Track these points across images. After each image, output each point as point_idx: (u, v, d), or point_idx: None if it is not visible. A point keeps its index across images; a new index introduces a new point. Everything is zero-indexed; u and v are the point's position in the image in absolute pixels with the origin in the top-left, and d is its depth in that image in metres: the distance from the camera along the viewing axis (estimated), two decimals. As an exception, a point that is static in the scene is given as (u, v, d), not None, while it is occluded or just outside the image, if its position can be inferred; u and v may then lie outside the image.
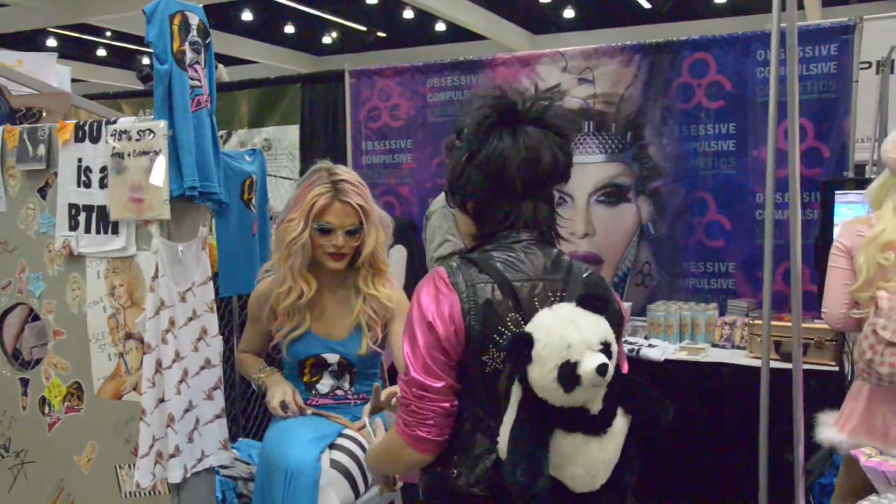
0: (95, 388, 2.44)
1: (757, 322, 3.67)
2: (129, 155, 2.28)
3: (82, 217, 2.40)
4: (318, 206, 2.37)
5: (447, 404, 1.56)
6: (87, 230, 2.40)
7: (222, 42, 13.13)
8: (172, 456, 2.28)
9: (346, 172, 2.45)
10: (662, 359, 3.74)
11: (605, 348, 1.46)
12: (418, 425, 1.55)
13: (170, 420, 2.28)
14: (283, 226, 2.42)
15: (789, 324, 3.68)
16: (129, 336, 2.37)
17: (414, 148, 4.78)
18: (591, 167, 4.38)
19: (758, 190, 4.04)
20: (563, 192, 4.66)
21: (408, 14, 13.01)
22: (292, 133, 4.92)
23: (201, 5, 2.33)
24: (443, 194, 3.83)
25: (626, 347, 3.52)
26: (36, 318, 2.58)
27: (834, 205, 3.07)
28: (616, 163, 4.34)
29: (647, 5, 13.48)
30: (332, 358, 2.45)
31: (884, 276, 2.32)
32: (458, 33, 13.67)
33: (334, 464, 2.27)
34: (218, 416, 2.46)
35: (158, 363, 2.28)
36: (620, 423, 1.53)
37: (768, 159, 2.82)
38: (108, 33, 13.20)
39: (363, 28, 13.67)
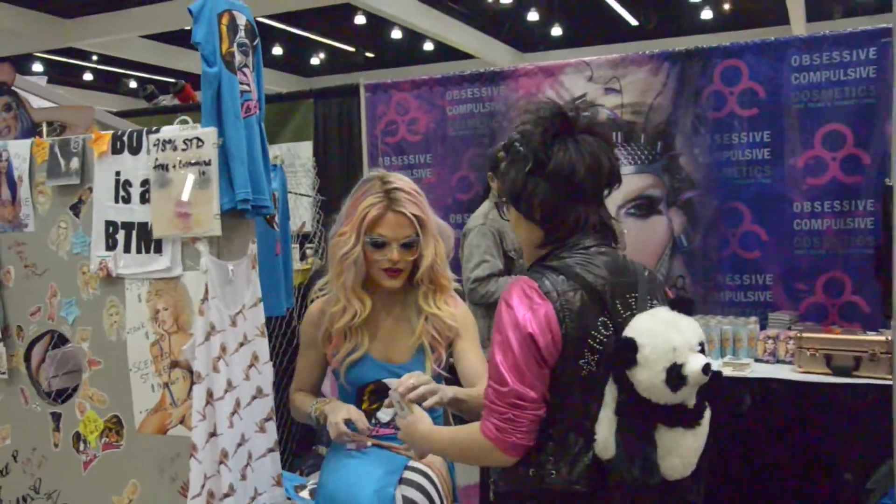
0: (137, 422, 2.24)
1: (807, 335, 3.54)
2: (174, 167, 2.10)
3: (121, 235, 2.21)
4: (371, 218, 2.18)
5: (541, 412, 1.60)
6: (127, 249, 2.21)
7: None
8: (227, 496, 2.08)
9: (400, 180, 2.27)
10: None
11: (702, 348, 1.56)
12: (514, 432, 1.59)
13: (223, 456, 2.08)
14: (335, 240, 2.24)
15: (840, 336, 3.57)
16: (174, 364, 2.17)
17: (434, 163, 4.63)
18: (620, 179, 4.24)
19: (795, 199, 3.93)
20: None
21: (396, 34, 12.92)
22: (305, 149, 4.76)
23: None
24: (479, 211, 3.68)
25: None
26: (56, 345, 2.38)
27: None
28: (646, 174, 4.22)
29: (634, 22, 13.50)
30: (393, 383, 2.26)
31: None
32: (445, 52, 13.61)
33: (406, 501, 2.09)
34: (271, 450, 2.27)
35: (210, 394, 2.08)
36: (707, 414, 1.63)
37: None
38: (95, 57, 12.98)
39: (351, 48, 13.55)
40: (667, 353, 1.50)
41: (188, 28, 2.17)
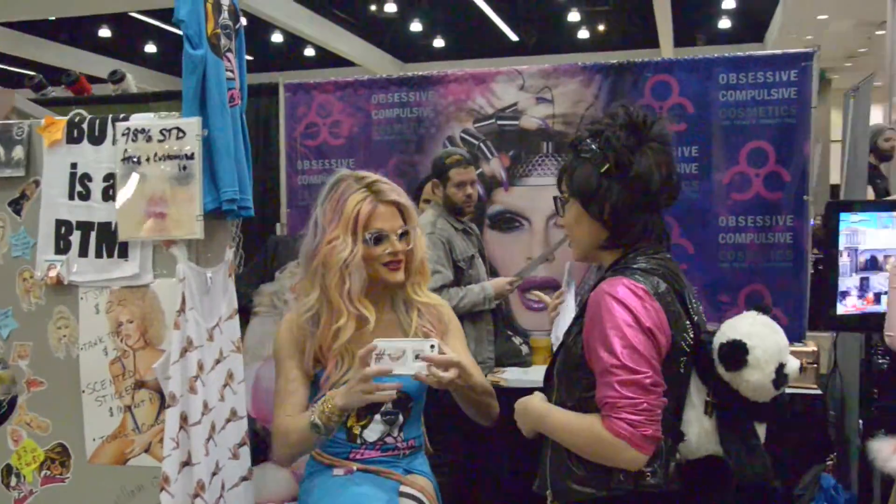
0: (89, 452, 1.96)
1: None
2: (148, 160, 1.85)
3: (76, 237, 1.93)
4: (364, 213, 2.00)
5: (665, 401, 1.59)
6: (83, 253, 1.93)
7: (71, 58, 12.13)
8: (204, 532, 1.85)
9: (372, 174, 2.11)
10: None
11: None
12: (649, 423, 1.54)
13: (198, 488, 1.85)
14: (326, 248, 2.01)
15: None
16: (140, 385, 1.92)
17: (356, 167, 4.39)
18: (550, 189, 4.20)
19: (721, 213, 4.02)
20: (519, 216, 4.49)
21: (277, 38, 12.57)
22: (218, 150, 4.45)
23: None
24: (425, 220, 3.53)
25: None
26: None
27: (839, 226, 3.04)
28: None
29: (514, 37, 13.75)
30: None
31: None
32: (326, 59, 13.37)
33: None
34: (244, 479, 2.05)
35: (184, 418, 1.85)
36: None
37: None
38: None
39: (228, 49, 13.03)
40: (776, 355, 1.59)
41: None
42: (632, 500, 1.61)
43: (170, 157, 1.84)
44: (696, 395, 1.63)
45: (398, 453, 2.10)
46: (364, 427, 2.06)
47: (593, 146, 1.68)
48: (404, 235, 2.05)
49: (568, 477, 1.66)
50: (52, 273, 1.93)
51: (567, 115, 4.20)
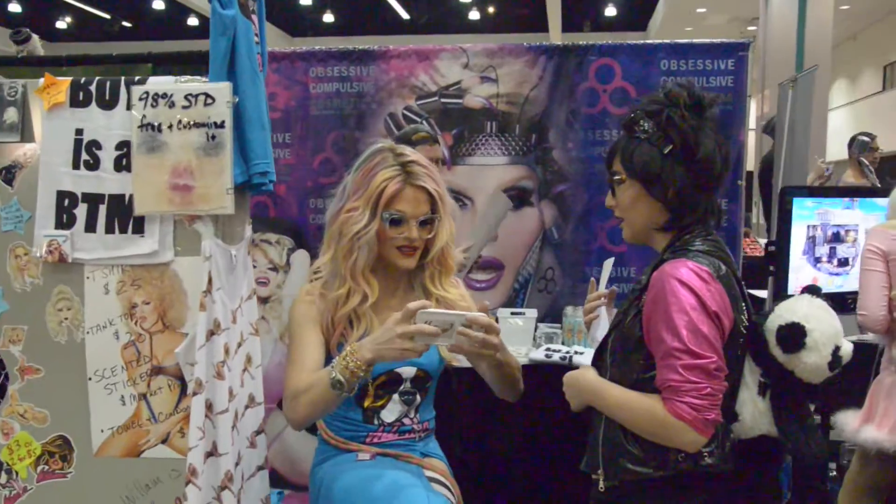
0: (95, 444, 1.79)
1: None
2: (171, 127, 1.70)
3: (81, 210, 1.76)
4: (389, 192, 1.93)
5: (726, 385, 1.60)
6: (91, 228, 1.76)
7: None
8: (233, 526, 1.73)
9: (413, 154, 2.05)
10: (594, 365, 3.67)
11: None
12: (712, 408, 1.54)
13: (226, 480, 1.73)
14: (344, 216, 1.94)
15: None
16: (157, 371, 1.77)
17: (293, 143, 4.25)
18: (493, 169, 4.19)
19: (659, 196, 4.14)
20: (462, 195, 4.45)
21: (158, 4, 11.96)
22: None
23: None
24: None
25: (556, 356, 3.40)
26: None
27: (792, 211, 3.19)
28: (519, 165, 4.20)
29: (405, 16, 13.67)
30: (407, 372, 2.00)
31: (927, 276, 2.42)
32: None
33: None
34: (260, 468, 1.94)
35: (208, 406, 1.72)
36: None
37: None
38: None
39: (106, 15, 12.28)
40: (832, 337, 1.59)
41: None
42: (688, 480, 1.61)
43: (196, 125, 1.70)
44: (750, 376, 1.64)
45: (415, 436, 2.06)
46: (382, 407, 2.00)
47: (651, 126, 1.66)
48: (427, 224, 1.99)
49: (623, 455, 1.65)
50: (54, 249, 1.74)
51: (511, 95, 4.18)
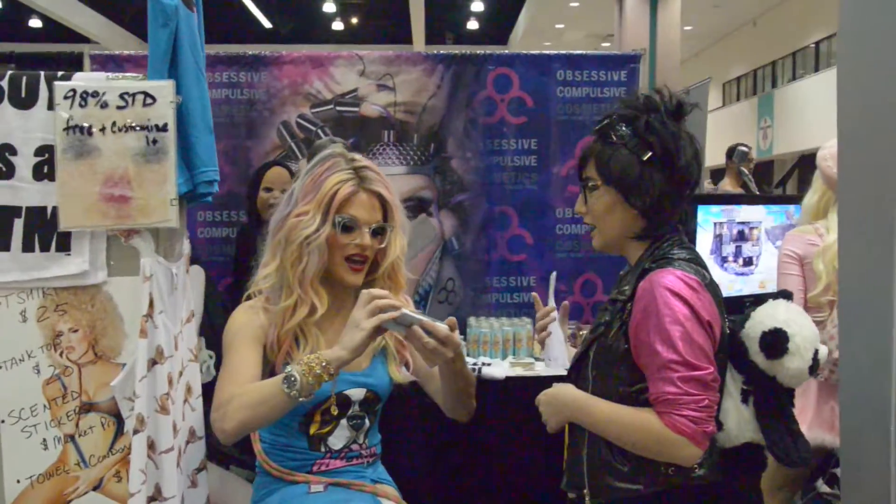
0: (9, 498, 1.54)
1: (582, 333, 3.76)
2: (103, 130, 1.50)
3: (-8, 226, 1.51)
4: (342, 196, 1.80)
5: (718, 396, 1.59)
6: (5, 246, 1.51)
7: None
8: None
9: (365, 160, 1.93)
10: (504, 376, 3.63)
11: None
12: (710, 420, 1.52)
13: (171, 527, 1.54)
14: (292, 221, 1.79)
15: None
16: (87, 408, 1.55)
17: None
18: (391, 179, 4.07)
19: (557, 205, 4.17)
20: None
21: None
22: None
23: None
24: None
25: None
26: None
27: (697, 217, 3.26)
28: (418, 175, 4.12)
29: (268, 24, 13.35)
30: (357, 394, 1.86)
31: (840, 279, 2.52)
32: (55, 33, 12.03)
33: None
34: (203, 509, 1.74)
35: (150, 445, 1.53)
36: None
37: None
38: None
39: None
40: (813, 341, 1.60)
41: None
42: (678, 495, 1.58)
43: (134, 128, 1.50)
44: (732, 384, 1.62)
45: (363, 461, 1.93)
46: (329, 434, 1.87)
47: (629, 132, 1.61)
48: (379, 233, 1.87)
49: (610, 473, 1.60)
50: (-42, 272, 1.49)
51: (409, 104, 4.10)
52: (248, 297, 1.87)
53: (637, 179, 1.60)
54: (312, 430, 1.83)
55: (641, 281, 1.58)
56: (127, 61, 3.93)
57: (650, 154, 1.59)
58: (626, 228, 1.67)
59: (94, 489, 1.55)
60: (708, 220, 3.28)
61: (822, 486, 3.94)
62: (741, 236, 3.35)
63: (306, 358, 1.55)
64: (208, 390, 1.83)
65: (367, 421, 1.91)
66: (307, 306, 1.79)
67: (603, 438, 1.60)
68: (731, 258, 3.33)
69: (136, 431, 1.49)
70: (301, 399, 1.53)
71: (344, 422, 1.87)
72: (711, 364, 1.52)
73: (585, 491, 1.63)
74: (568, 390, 1.68)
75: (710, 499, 1.59)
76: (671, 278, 1.55)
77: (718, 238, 3.32)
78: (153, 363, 1.51)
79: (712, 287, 1.60)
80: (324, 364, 1.54)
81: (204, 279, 3.48)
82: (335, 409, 1.82)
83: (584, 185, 1.72)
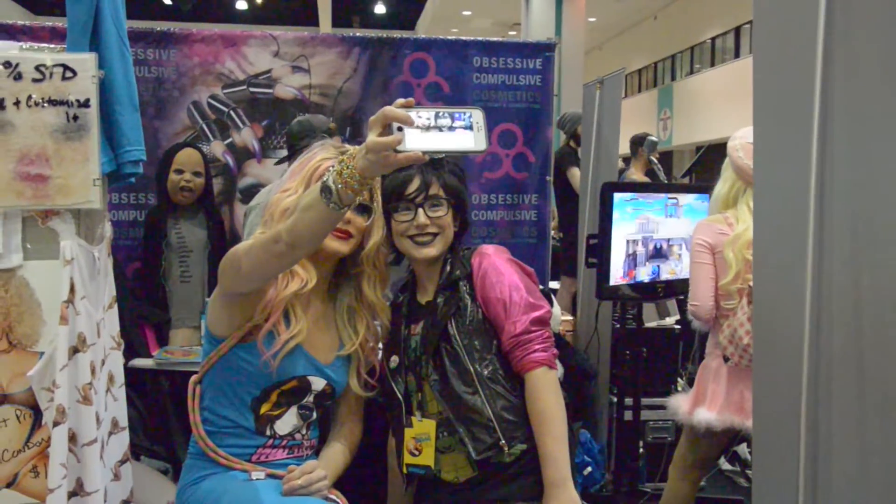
0: (-85, 496, 1.44)
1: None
2: (17, 104, 1.41)
3: None
4: (324, 170, 1.77)
5: None
6: None
7: None
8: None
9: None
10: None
11: None
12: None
13: (94, 523, 1.47)
14: (275, 198, 1.79)
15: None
16: (2, 400, 1.46)
17: (81, 132, 3.81)
18: (306, 163, 4.03)
19: (474, 191, 4.18)
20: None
21: None
22: None
23: None
24: (264, 190, 3.18)
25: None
26: None
27: (612, 205, 3.31)
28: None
29: (168, 1, 12.91)
30: (317, 383, 1.84)
31: (750, 269, 2.60)
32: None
33: None
34: (126, 502, 1.66)
35: (71, 437, 1.45)
36: None
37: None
38: None
39: None
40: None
41: None
42: None
43: (52, 103, 1.41)
44: None
45: (303, 453, 1.91)
46: (278, 417, 1.84)
47: None
48: (364, 211, 1.85)
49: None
50: None
51: (324, 87, 4.03)
52: None
53: None
54: (263, 409, 1.81)
55: None
56: (22, 32, 3.71)
57: None
58: None
59: (8, 486, 1.46)
60: (624, 217, 3.31)
61: (724, 464, 4.12)
62: (658, 252, 3.38)
63: (341, 166, 1.41)
64: (128, 378, 1.79)
65: (314, 414, 1.90)
66: (298, 281, 1.78)
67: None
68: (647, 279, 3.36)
69: (56, 423, 1.42)
70: (338, 208, 1.43)
71: (294, 409, 1.85)
72: None
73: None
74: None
75: None
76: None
77: (632, 258, 3.33)
78: (75, 351, 1.44)
79: None
80: (357, 180, 1.40)
81: (111, 262, 3.34)
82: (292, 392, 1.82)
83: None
